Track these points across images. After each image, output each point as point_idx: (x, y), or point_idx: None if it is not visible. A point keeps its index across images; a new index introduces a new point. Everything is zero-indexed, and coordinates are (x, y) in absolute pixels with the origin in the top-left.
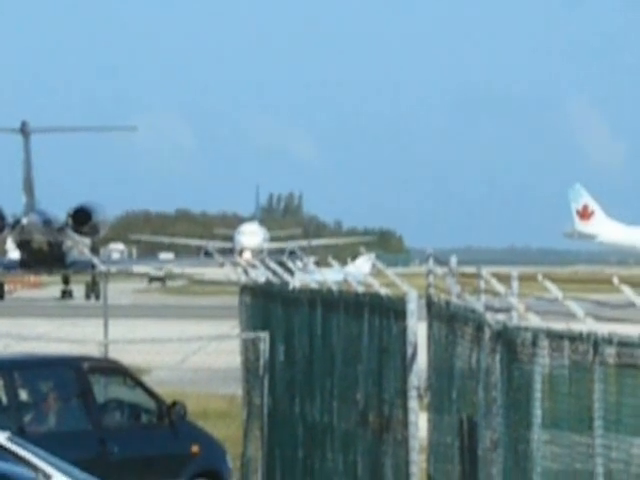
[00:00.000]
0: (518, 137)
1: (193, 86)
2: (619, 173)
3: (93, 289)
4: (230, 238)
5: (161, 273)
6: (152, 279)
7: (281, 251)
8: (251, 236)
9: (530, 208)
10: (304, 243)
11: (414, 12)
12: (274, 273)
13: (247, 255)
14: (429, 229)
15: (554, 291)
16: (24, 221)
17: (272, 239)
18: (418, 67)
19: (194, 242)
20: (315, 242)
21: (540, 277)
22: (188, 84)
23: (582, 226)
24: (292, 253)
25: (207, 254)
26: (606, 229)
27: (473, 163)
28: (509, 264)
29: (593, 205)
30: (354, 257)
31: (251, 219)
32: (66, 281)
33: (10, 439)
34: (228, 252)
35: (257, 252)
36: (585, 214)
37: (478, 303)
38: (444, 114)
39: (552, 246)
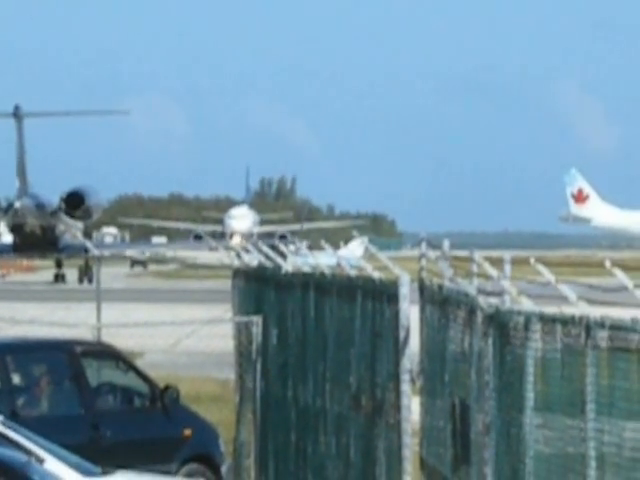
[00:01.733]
0: (512, 122)
1: (186, 70)
2: (613, 157)
3: (86, 273)
4: (221, 221)
5: (143, 257)
6: (134, 263)
7: (271, 235)
8: (241, 220)
9: (523, 193)
10: (296, 227)
11: (407, 1)
12: (267, 257)
13: (236, 239)
14: (421, 213)
15: (546, 274)
16: (17, 205)
17: (264, 222)
18: (411, 51)
19: (184, 226)
20: (307, 226)
21: (532, 261)
22: (181, 68)
23: (577, 210)
24: (282, 237)
25: (197, 237)
26: (601, 213)
27: (467, 147)
28: (502, 248)
29: (588, 189)
30: (347, 241)
31: (242, 203)
32: (59, 265)
33: (3, 423)
34: (219, 236)
35: (247, 236)
36: (580, 198)
37: (471, 286)
38: (439, 98)
39: (545, 230)
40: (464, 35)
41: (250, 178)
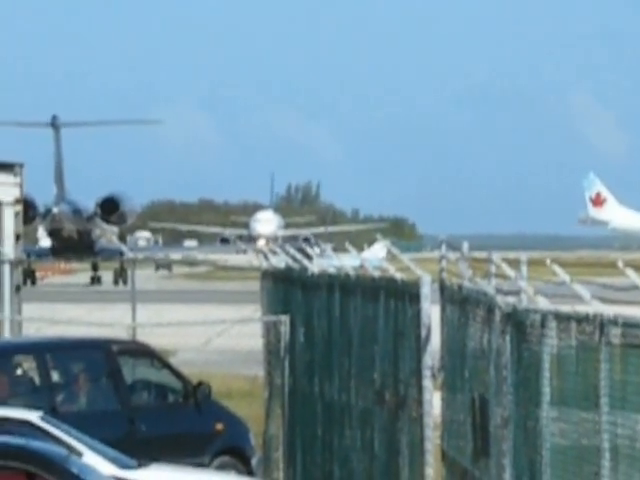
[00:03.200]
0: (528, 128)
1: (215, 79)
2: (629, 162)
3: (121, 275)
4: (247, 225)
5: (167, 260)
6: (159, 266)
7: (295, 238)
8: (266, 223)
9: (537, 196)
10: (320, 230)
11: (425, 10)
12: (293, 259)
13: (261, 242)
14: (441, 216)
15: (561, 274)
16: (55, 210)
17: (289, 226)
18: (431, 60)
19: (212, 229)
20: (331, 229)
21: (548, 261)
22: (210, 77)
23: (595, 213)
24: (306, 240)
25: (223, 241)
26: (618, 215)
27: (484, 153)
28: (518, 249)
29: (606, 192)
30: (370, 243)
31: (268, 207)
32: (95, 268)
33: (43, 418)
34: (245, 239)
35: (272, 239)
36: (598, 201)
37: (489, 286)
38: (457, 105)
39: (558, 232)
40: (483, 45)
41: (275, 184)
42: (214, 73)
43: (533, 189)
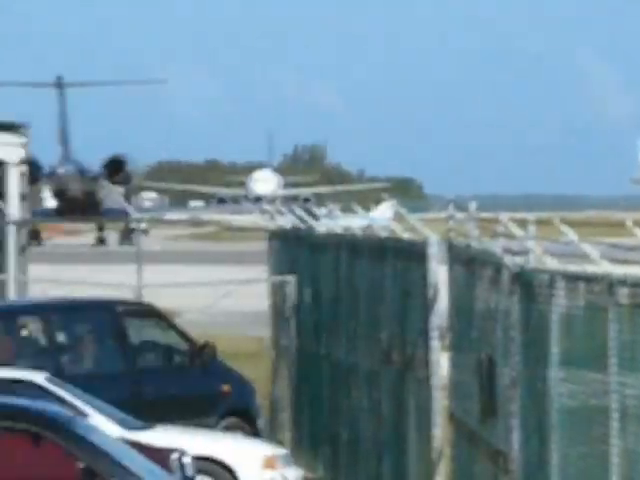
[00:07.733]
0: (536, 88)
1: (221, 39)
2: None
3: (126, 236)
4: (244, 185)
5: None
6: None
7: (295, 198)
8: (263, 183)
9: (544, 156)
10: (325, 189)
11: None
12: (300, 219)
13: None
14: (448, 177)
15: (569, 234)
16: (60, 171)
17: (294, 186)
18: (440, 22)
19: (212, 189)
20: (338, 188)
21: (557, 221)
22: (215, 37)
23: None
24: (306, 200)
25: (220, 201)
26: None
27: (492, 114)
28: (527, 210)
29: None
30: (377, 203)
31: (267, 166)
32: (100, 228)
33: (48, 379)
34: (247, 199)
35: (271, 199)
36: None
37: (496, 246)
38: (465, 66)
39: (564, 192)
40: (485, 4)
41: (282, 144)
42: (219, 31)
43: (548, 149)
